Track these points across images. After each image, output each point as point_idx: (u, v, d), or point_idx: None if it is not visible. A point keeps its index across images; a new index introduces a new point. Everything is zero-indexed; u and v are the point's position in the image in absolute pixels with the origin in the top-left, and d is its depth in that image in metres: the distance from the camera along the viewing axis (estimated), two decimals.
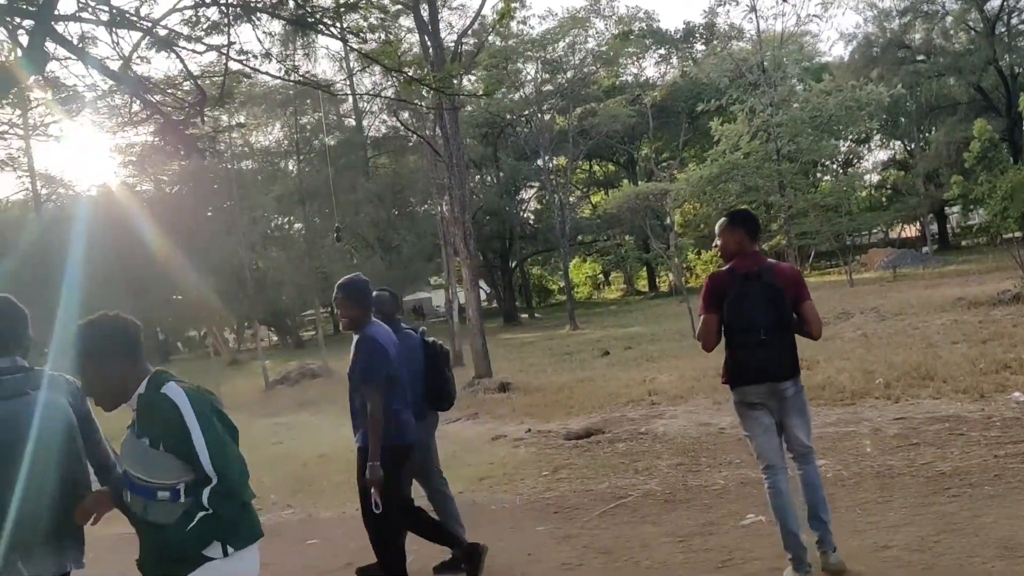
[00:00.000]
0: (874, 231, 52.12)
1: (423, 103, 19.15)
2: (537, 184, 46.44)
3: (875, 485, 6.18)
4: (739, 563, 4.93)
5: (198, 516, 2.69)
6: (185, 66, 6.20)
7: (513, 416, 12.09)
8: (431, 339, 5.69)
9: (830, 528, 4.57)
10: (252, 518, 2.86)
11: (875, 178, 56.80)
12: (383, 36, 7.64)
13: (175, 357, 52.46)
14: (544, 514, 6.81)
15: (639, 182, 39.51)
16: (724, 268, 4.68)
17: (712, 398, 10.65)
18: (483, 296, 33.64)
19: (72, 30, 5.82)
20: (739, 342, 4.53)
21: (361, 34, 7.35)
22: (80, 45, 5.81)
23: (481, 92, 31.76)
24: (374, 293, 5.23)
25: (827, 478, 6.49)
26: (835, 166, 47.14)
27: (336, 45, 44.33)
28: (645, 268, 54.02)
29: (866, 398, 9.42)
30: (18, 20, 5.14)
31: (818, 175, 41.82)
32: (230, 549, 2.72)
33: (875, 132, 45.30)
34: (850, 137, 44.53)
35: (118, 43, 5.57)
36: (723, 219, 4.80)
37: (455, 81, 12.13)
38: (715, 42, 44.17)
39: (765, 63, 26.72)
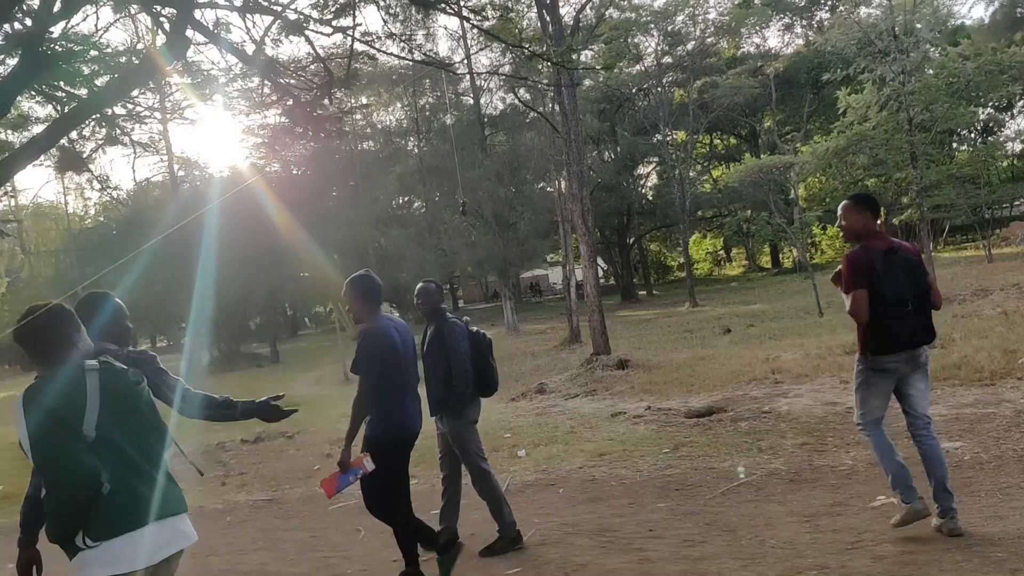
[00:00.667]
0: (1016, 203, 49.11)
1: (542, 79, 19.12)
2: (656, 159, 45.76)
3: (1018, 469, 5.88)
4: (869, 545, 4.78)
5: (48, 508, 2.89)
6: (313, 48, 6.41)
7: (632, 393, 12.04)
8: (475, 329, 5.87)
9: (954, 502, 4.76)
10: (119, 510, 2.92)
11: (1018, 147, 53.45)
12: (502, 13, 7.66)
13: (303, 332, 54.50)
14: (665, 491, 6.77)
15: (762, 155, 38.44)
16: (859, 247, 4.91)
17: (839, 377, 10.33)
18: (600, 273, 33.49)
19: (208, 16, 6.08)
20: (889, 313, 4.75)
21: (482, 13, 7.40)
22: (215, 31, 6.07)
23: (600, 66, 31.44)
24: (420, 285, 5.69)
25: (964, 460, 6.22)
26: (973, 135, 44.59)
27: (454, 23, 44.69)
28: (768, 244, 52.58)
29: (1007, 378, 8.94)
30: (161, 8, 5.40)
31: (954, 145, 39.67)
32: (88, 541, 2.87)
33: (1018, 97, 42.57)
34: (990, 104, 41.99)
35: (251, 28, 5.79)
36: (847, 201, 5.08)
37: (574, 55, 12.05)
38: (841, 9, 42.28)
39: (896, 29, 25.44)
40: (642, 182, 49.32)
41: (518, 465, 8.66)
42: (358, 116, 33.95)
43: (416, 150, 40.97)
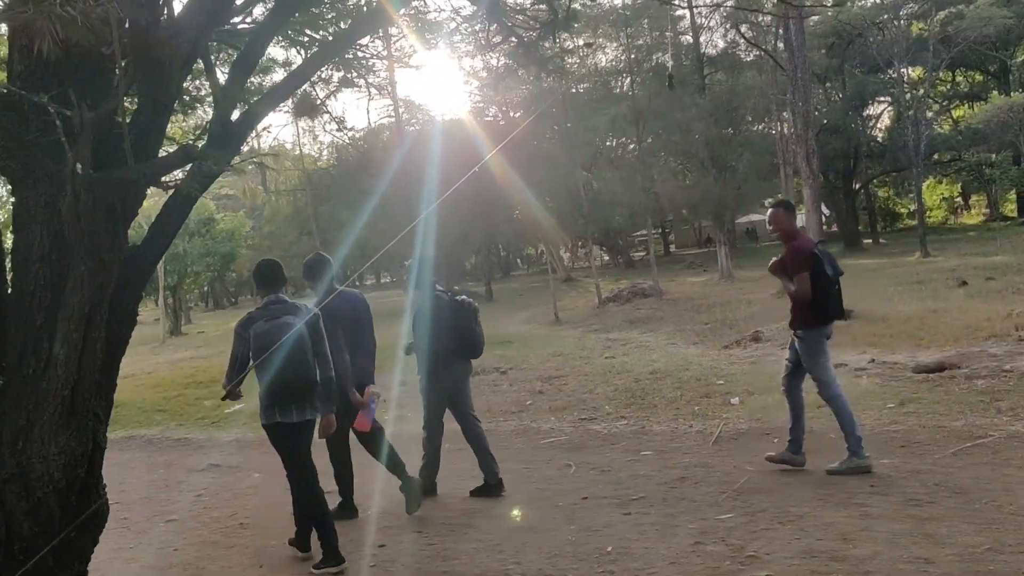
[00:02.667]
0: None
1: (768, 13, 18.22)
2: (888, 98, 42.56)
3: None
4: None
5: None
6: None
7: (854, 344, 11.47)
8: (460, 298, 6.72)
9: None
10: None
11: None
12: None
13: (515, 273, 55.81)
14: (888, 447, 6.45)
15: (1012, 93, 34.82)
16: (798, 241, 6.23)
17: None
18: (823, 219, 31.88)
19: None
20: (829, 291, 6.11)
21: None
22: None
23: (830, 2, 29.47)
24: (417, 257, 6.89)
25: None
26: None
27: None
28: (1014, 191, 47.84)
29: None
30: None
31: None
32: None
33: None
34: None
35: None
36: (777, 209, 6.48)
37: None
38: None
39: None
40: (872, 123, 46.09)
41: (731, 412, 8.54)
42: (573, 58, 33.85)
43: (630, 92, 40.41)
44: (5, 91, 2.32)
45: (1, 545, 2.35)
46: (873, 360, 10.04)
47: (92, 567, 2.75)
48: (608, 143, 43.42)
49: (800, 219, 22.24)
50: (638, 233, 50.01)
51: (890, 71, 37.15)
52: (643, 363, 12.44)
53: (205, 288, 58.54)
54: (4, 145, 2.21)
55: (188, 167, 2.66)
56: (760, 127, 37.47)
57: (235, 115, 2.75)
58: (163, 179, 2.61)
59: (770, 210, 6.50)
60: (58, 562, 2.45)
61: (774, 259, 6.38)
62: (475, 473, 6.56)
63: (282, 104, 3.75)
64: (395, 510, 6.32)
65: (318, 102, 9.28)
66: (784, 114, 23.28)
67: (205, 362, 19.58)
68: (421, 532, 5.68)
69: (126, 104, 2.48)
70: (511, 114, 37.64)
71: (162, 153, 2.68)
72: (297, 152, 40.34)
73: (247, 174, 51.95)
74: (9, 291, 2.47)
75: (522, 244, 55.02)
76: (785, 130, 23.87)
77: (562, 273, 38.90)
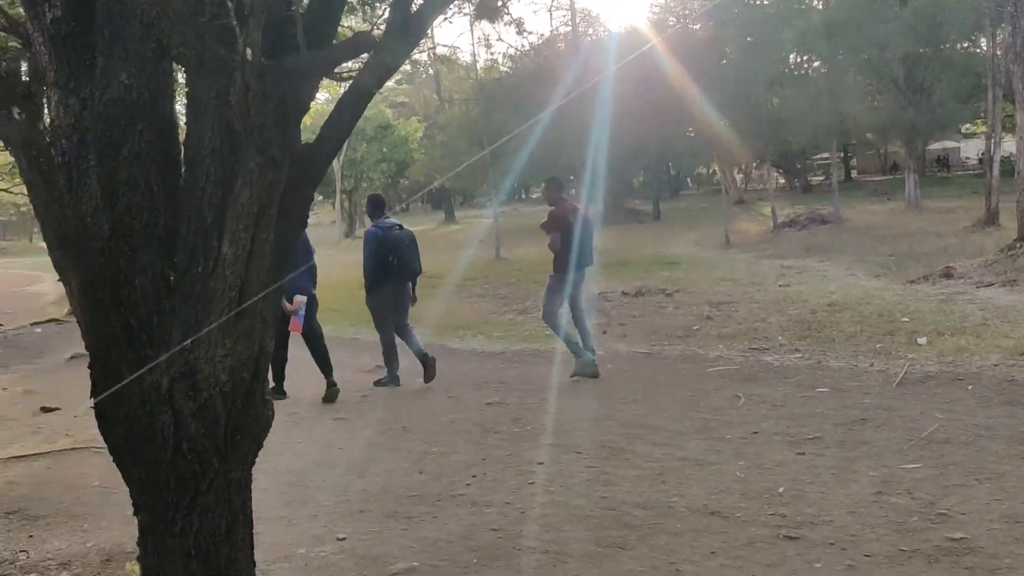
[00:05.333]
0: None
1: None
2: None
3: None
4: None
5: None
6: None
7: None
8: (399, 229, 8.21)
9: None
10: None
11: None
12: None
13: (684, 192, 54.46)
14: None
15: None
16: (558, 206, 8.22)
17: None
18: None
19: None
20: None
21: None
22: None
23: None
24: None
25: None
26: None
27: None
28: None
29: None
30: None
31: None
32: None
33: None
34: None
35: None
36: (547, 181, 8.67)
37: None
38: None
39: None
40: None
41: (918, 353, 7.90)
42: None
43: (821, 5, 37.73)
44: None
45: (171, 443, 2.33)
46: None
47: (262, 459, 2.74)
48: (794, 59, 40.98)
49: (1004, 146, 20.31)
50: (818, 156, 47.42)
51: None
52: (820, 293, 11.76)
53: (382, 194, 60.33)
54: (179, 31, 2.09)
55: (363, 60, 2.49)
56: (965, 45, 34.26)
57: (414, 6, 2.54)
58: (336, 71, 2.47)
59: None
60: (223, 464, 2.42)
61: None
62: (636, 397, 6.36)
63: (460, 5, 3.53)
64: (556, 424, 6.25)
65: (499, 3, 9.05)
66: (997, 29, 21.03)
67: None
68: (580, 453, 5.54)
69: None
70: (690, 26, 36.09)
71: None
72: (471, 60, 40.35)
73: (421, 82, 52.71)
74: (182, 185, 2.39)
75: (694, 163, 53.33)
76: (996, 49, 21.56)
77: (735, 194, 37.52)
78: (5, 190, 18.80)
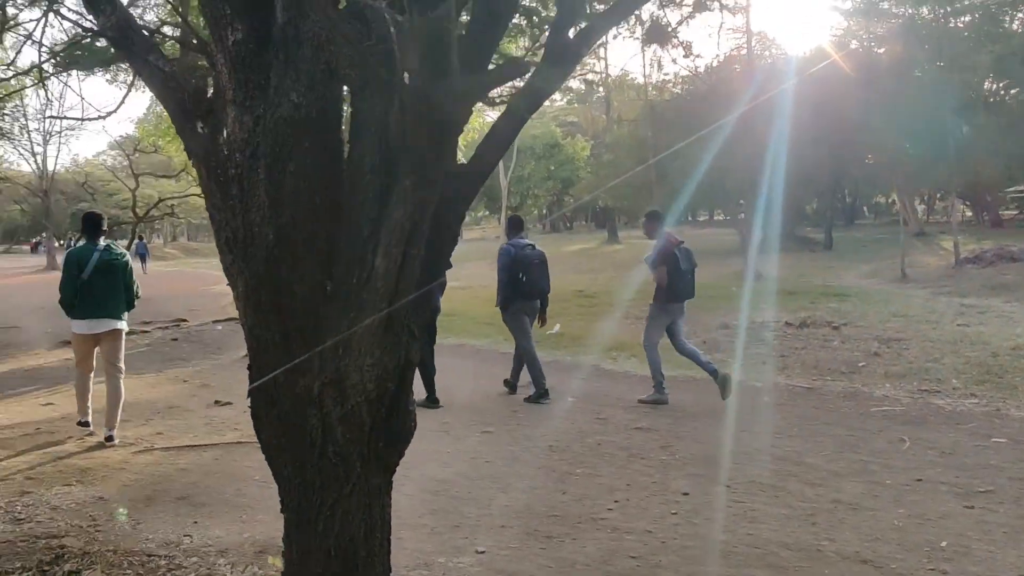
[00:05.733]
0: None
1: None
2: None
3: None
4: None
5: None
6: None
7: None
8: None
9: None
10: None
11: None
12: None
13: (859, 221, 52.07)
14: None
15: None
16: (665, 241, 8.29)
17: None
18: None
19: None
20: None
21: None
22: None
23: None
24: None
25: None
26: None
27: None
28: None
29: None
30: None
31: None
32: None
33: None
34: None
35: None
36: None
37: None
38: None
39: None
40: None
41: None
42: None
43: (1022, 28, 35.23)
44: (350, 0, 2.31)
45: (318, 445, 2.44)
46: None
47: (411, 466, 2.83)
48: (988, 85, 38.49)
49: None
50: (1012, 189, 44.26)
51: None
52: (1004, 336, 10.95)
53: (544, 211, 61.07)
54: (347, 54, 2.20)
55: (517, 84, 2.54)
56: None
57: (572, 32, 2.56)
58: (490, 95, 2.51)
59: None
60: (365, 468, 2.51)
61: None
62: (792, 432, 6.09)
63: (631, 29, 3.53)
64: (705, 454, 6.11)
65: (669, 28, 9.00)
66: None
67: None
68: (729, 486, 5.39)
69: (461, 16, 2.38)
70: (875, 49, 34.59)
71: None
72: (641, 82, 40.19)
73: (591, 103, 52.97)
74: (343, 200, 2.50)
75: (871, 191, 50.88)
76: None
77: (914, 226, 35.52)
78: (198, 195, 20.23)
